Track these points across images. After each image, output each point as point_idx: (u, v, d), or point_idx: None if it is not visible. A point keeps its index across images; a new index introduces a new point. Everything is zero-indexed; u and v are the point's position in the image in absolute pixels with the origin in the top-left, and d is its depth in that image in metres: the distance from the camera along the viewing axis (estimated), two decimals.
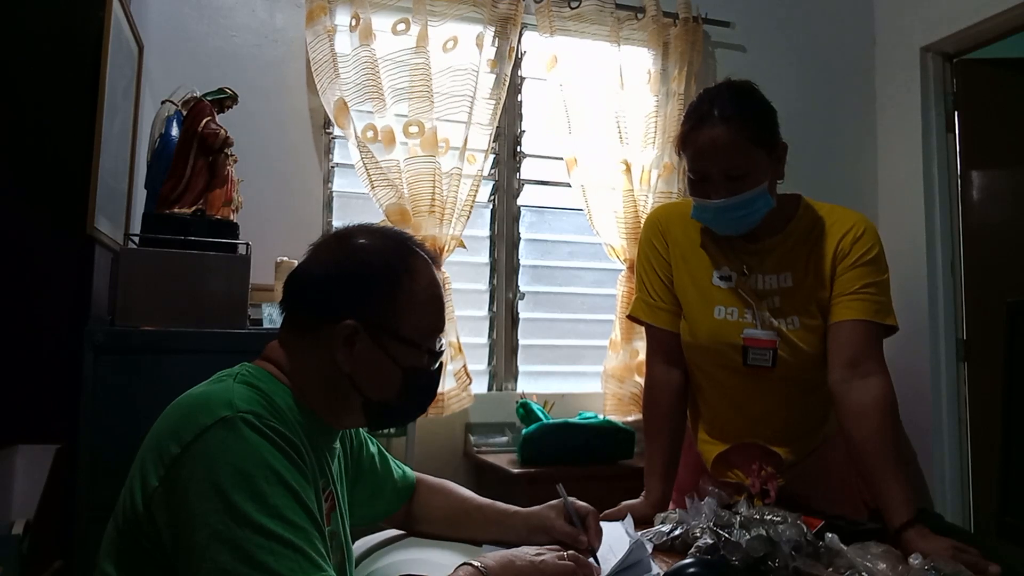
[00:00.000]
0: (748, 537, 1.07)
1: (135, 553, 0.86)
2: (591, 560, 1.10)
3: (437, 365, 1.06)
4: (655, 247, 1.54)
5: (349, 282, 0.98)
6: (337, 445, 1.09)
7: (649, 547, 1.18)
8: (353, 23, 2.56)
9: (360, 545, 1.25)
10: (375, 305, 0.98)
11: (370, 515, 1.24)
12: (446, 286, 2.56)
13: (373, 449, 1.24)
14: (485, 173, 2.74)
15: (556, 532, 1.17)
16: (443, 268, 2.59)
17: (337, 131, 2.57)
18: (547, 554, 1.03)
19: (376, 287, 0.98)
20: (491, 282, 2.85)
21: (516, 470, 2.34)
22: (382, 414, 1.04)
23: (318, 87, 2.52)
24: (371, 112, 2.55)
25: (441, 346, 1.06)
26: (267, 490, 0.82)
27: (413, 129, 2.56)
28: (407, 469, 1.30)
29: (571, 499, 1.21)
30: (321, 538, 0.86)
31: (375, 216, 2.51)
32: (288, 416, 0.92)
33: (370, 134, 2.53)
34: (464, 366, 2.59)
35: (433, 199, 2.53)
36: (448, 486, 1.31)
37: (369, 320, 0.97)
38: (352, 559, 1.10)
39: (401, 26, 2.60)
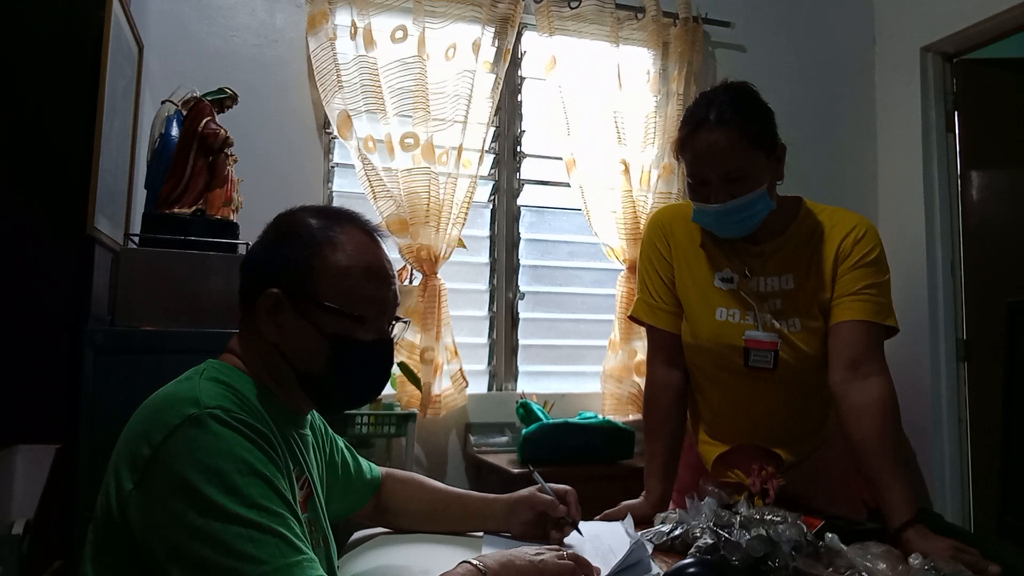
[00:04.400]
0: (748, 537, 1.07)
1: (113, 556, 0.86)
2: (577, 536, 1.14)
3: (378, 340, 1.02)
4: (657, 248, 1.54)
5: (271, 251, 1.00)
6: (308, 432, 1.08)
7: (649, 547, 1.18)
8: (353, 30, 2.56)
9: (356, 538, 1.27)
10: (294, 272, 0.97)
11: (340, 510, 1.24)
12: (442, 289, 2.56)
13: (341, 444, 1.25)
14: (484, 174, 2.74)
15: (536, 503, 1.20)
16: (441, 270, 2.59)
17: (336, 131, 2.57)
18: (547, 553, 1.03)
19: (295, 254, 0.98)
20: (491, 282, 2.85)
21: (516, 470, 2.34)
22: (319, 389, 1.00)
23: (322, 96, 2.53)
24: (372, 122, 2.56)
25: (379, 315, 1.02)
26: (240, 481, 0.82)
27: (409, 141, 2.56)
28: (372, 464, 1.30)
29: (550, 485, 1.24)
30: (299, 523, 0.86)
31: (375, 217, 2.51)
32: (256, 406, 0.93)
33: (371, 144, 2.54)
34: (460, 369, 2.60)
35: (428, 208, 2.54)
36: (418, 479, 1.32)
37: (290, 287, 0.97)
38: (334, 546, 1.11)
39: (399, 33, 2.61)
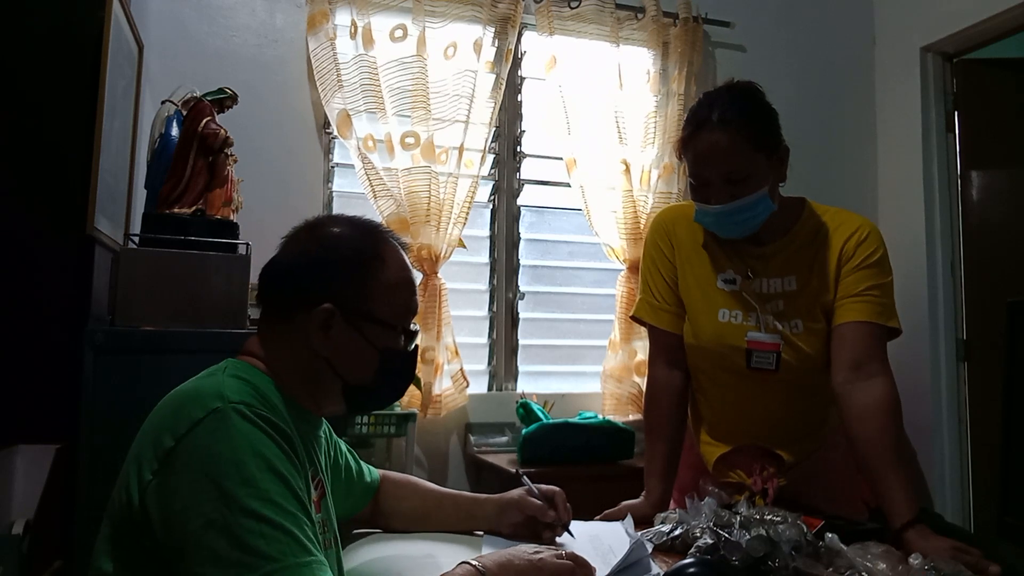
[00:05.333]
0: (748, 537, 1.07)
1: (132, 549, 0.86)
2: (568, 538, 1.15)
3: (413, 347, 1.08)
4: (660, 248, 1.54)
5: (322, 268, 1.01)
6: (322, 435, 1.11)
7: (649, 547, 1.18)
8: (353, 30, 2.56)
9: (356, 533, 1.27)
10: (348, 289, 1.00)
11: (341, 512, 1.25)
12: (442, 289, 2.57)
13: (344, 449, 1.26)
14: (484, 174, 2.74)
15: (526, 507, 1.21)
16: (441, 270, 2.59)
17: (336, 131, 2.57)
18: (545, 553, 1.03)
19: (348, 271, 1.01)
20: (491, 282, 2.85)
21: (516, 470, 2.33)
22: (360, 397, 1.05)
23: (322, 96, 2.53)
24: (371, 122, 2.56)
25: (416, 327, 1.08)
26: (258, 476, 0.83)
27: (410, 140, 2.57)
28: (371, 468, 1.32)
29: (538, 486, 1.24)
30: (311, 525, 0.87)
31: (375, 217, 2.51)
32: (277, 406, 0.94)
33: (370, 144, 2.54)
34: (461, 368, 2.60)
35: (429, 208, 2.55)
36: (412, 480, 1.34)
37: (343, 303, 0.99)
38: (340, 545, 1.12)
39: (399, 32, 2.61)
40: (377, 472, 1.32)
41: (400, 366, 1.07)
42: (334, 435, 1.24)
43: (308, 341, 0.98)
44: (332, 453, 1.20)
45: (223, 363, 0.99)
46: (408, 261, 1.07)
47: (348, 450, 1.27)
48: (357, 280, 1.00)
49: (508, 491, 1.26)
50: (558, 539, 1.21)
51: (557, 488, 1.25)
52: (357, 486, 1.26)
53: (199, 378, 0.96)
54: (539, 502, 1.21)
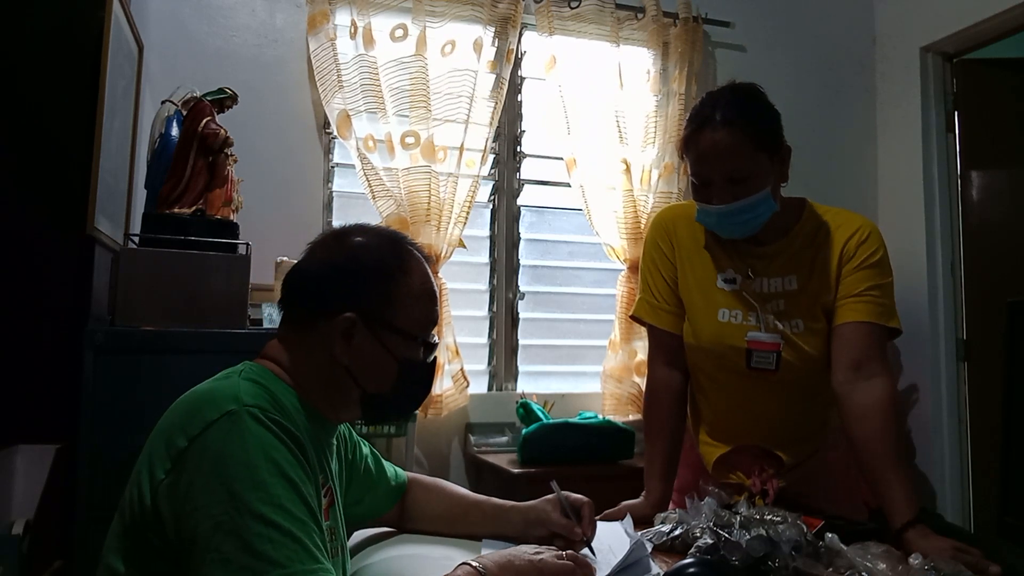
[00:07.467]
0: (748, 537, 1.07)
1: (142, 547, 0.87)
2: (588, 553, 1.11)
3: (432, 358, 1.08)
4: (660, 248, 1.54)
5: (346, 277, 1.01)
6: (335, 441, 1.11)
7: (649, 547, 1.18)
8: (353, 30, 2.56)
9: (355, 538, 1.26)
10: (372, 299, 1.00)
11: (363, 514, 1.25)
12: (442, 289, 2.57)
13: (366, 451, 1.26)
14: (484, 174, 2.74)
15: (552, 524, 1.18)
16: (441, 270, 2.59)
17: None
18: (546, 553, 1.03)
19: (372, 281, 1.01)
20: (491, 282, 2.85)
21: (516, 470, 2.34)
22: (378, 406, 1.06)
23: (322, 96, 2.53)
24: (371, 122, 2.56)
25: (435, 339, 1.09)
26: (269, 481, 0.83)
27: (410, 140, 2.57)
28: (399, 469, 1.31)
29: (565, 493, 1.21)
30: (319, 532, 0.87)
31: (374, 217, 2.52)
32: (291, 412, 0.94)
33: (370, 144, 2.54)
34: (462, 369, 2.60)
35: (429, 208, 2.55)
36: (441, 484, 1.32)
37: (366, 313, 1.00)
38: (347, 554, 1.11)
39: (399, 32, 2.61)
40: (404, 474, 1.31)
41: (418, 377, 1.07)
42: (354, 435, 1.23)
43: (329, 348, 0.99)
44: (350, 455, 1.20)
45: (240, 365, 0.99)
46: (431, 273, 1.08)
47: (371, 451, 1.27)
48: (381, 290, 1.01)
49: (534, 501, 1.23)
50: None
51: (586, 499, 1.21)
52: (380, 487, 1.25)
53: (215, 380, 0.96)
54: (565, 520, 1.18)
